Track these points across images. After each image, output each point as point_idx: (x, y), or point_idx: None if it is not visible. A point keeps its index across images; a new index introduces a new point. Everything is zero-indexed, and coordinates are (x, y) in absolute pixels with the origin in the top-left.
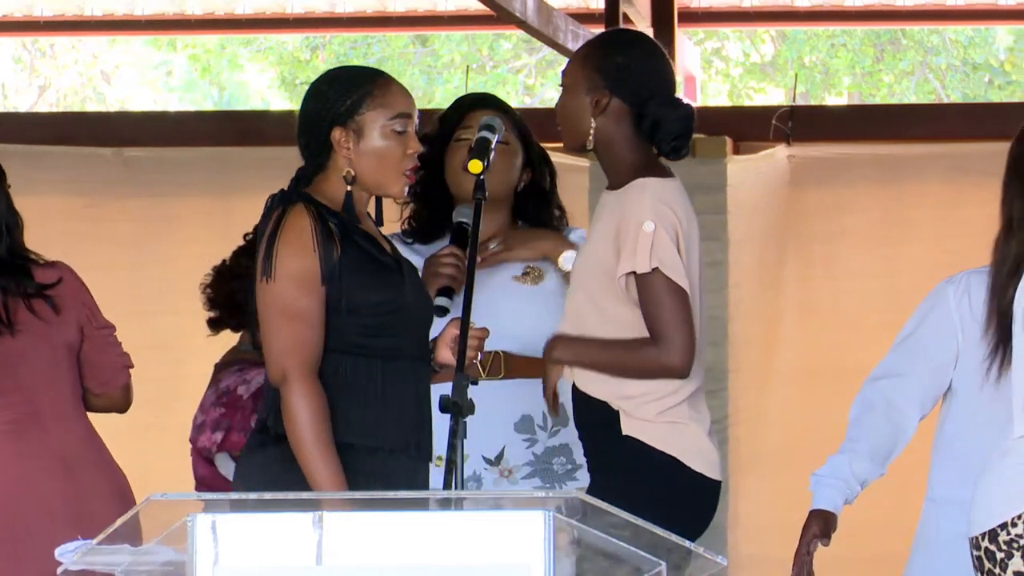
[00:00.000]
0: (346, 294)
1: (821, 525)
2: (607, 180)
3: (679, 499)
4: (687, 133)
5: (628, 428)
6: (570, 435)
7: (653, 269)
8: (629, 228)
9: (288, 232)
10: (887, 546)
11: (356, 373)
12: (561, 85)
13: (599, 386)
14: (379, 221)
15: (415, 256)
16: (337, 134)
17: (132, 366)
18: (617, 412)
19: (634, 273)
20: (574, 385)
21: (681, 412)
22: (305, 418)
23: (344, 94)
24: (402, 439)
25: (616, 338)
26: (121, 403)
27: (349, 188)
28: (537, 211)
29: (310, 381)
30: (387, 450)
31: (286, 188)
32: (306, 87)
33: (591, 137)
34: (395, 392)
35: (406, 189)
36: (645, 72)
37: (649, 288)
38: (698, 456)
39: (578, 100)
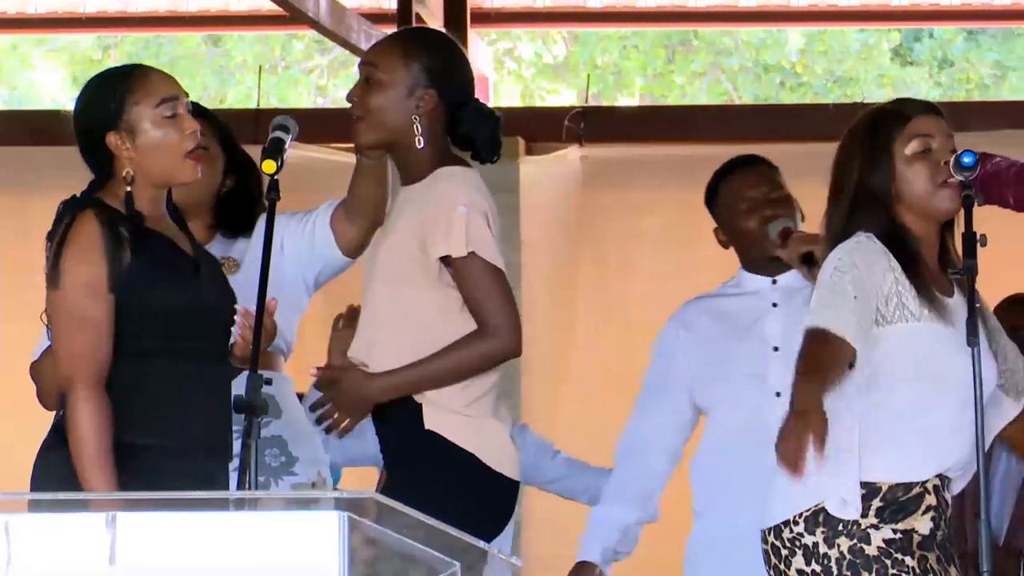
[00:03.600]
0: (136, 299)
1: (575, 574)
2: (403, 176)
3: (478, 498)
4: (499, 138)
5: (431, 422)
6: (283, 428)
7: (470, 253)
8: (440, 213)
9: (75, 240)
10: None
11: (148, 376)
12: (368, 78)
13: None
14: (176, 219)
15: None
16: (112, 139)
17: None
18: (420, 406)
19: (449, 257)
20: None
21: (486, 407)
22: (85, 427)
23: (106, 99)
24: (196, 440)
25: (433, 352)
26: None
27: (129, 189)
28: (240, 216)
29: (94, 389)
30: (180, 451)
31: (78, 194)
32: None
33: (418, 136)
34: (189, 393)
35: (199, 171)
36: (462, 75)
37: (468, 273)
38: (498, 455)
39: (396, 96)
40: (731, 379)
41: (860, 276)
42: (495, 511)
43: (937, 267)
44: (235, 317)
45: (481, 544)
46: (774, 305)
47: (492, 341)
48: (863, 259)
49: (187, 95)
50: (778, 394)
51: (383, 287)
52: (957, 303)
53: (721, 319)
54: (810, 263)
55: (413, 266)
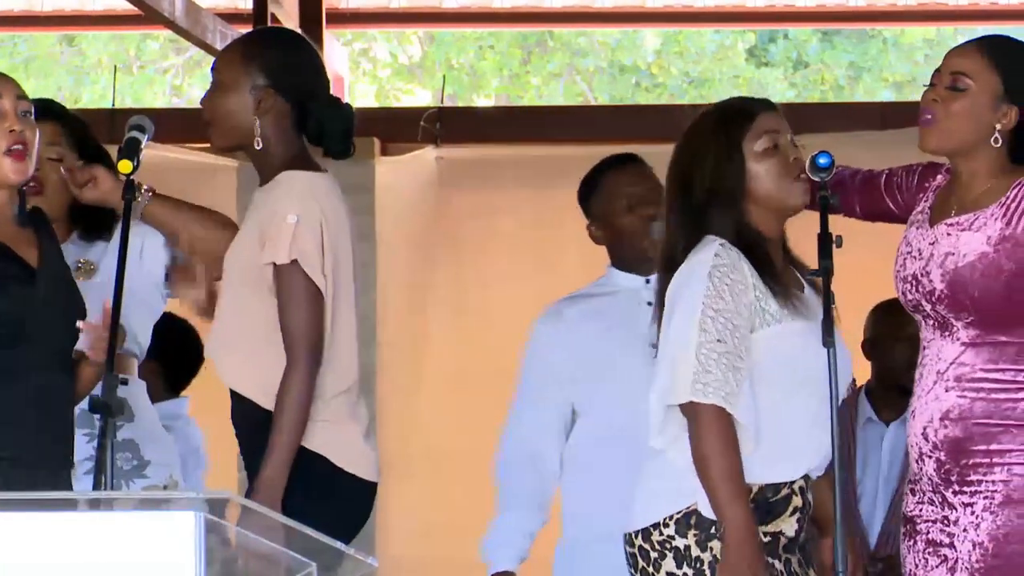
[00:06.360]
0: None
1: None
2: (260, 178)
3: (331, 499)
4: (351, 132)
5: None
6: (136, 431)
7: (292, 262)
8: (274, 219)
9: None
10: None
11: None
12: (214, 82)
13: (247, 383)
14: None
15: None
16: None
17: None
18: (268, 413)
19: (274, 264)
20: (231, 390)
21: (339, 410)
22: None
23: None
24: (32, 450)
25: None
26: None
27: None
28: (97, 218)
29: None
30: (15, 461)
31: None
32: None
33: (257, 137)
34: (21, 404)
35: (23, 170)
36: (306, 70)
37: (285, 281)
38: (351, 456)
39: (238, 98)
40: (609, 379)
41: (727, 311)
42: (351, 512)
43: (784, 263)
44: (79, 329)
45: (338, 545)
46: (649, 304)
47: (297, 377)
48: (728, 284)
49: (20, 95)
50: None
51: (228, 288)
52: (810, 298)
53: (596, 317)
54: None
55: (249, 270)
